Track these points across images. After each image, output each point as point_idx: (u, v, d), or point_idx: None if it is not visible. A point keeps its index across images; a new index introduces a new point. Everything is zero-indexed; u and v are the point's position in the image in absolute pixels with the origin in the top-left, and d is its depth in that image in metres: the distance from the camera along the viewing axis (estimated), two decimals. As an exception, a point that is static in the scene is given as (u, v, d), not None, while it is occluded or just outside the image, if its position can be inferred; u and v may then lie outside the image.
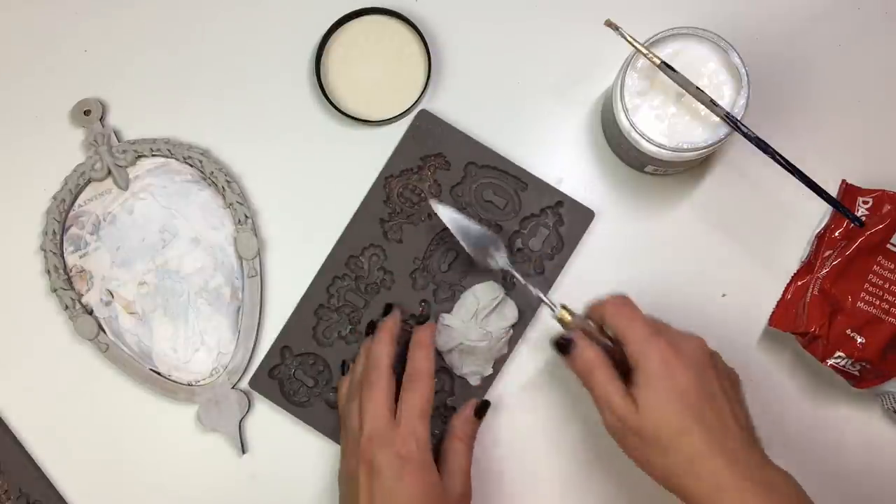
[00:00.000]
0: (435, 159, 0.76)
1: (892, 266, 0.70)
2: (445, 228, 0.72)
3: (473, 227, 0.71)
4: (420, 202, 0.75)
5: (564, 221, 0.75)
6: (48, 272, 0.76)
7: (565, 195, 0.75)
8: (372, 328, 0.73)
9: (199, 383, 0.75)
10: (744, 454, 0.60)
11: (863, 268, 0.70)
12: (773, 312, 0.73)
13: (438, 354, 0.74)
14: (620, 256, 0.75)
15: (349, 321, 0.75)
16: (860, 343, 0.69)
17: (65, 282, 0.76)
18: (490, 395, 0.74)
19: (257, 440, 0.75)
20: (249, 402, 0.75)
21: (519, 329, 0.74)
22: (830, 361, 0.69)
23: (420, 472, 0.65)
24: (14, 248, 0.77)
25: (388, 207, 0.76)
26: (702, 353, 0.63)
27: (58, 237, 0.76)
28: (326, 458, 0.75)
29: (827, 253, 0.71)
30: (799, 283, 0.72)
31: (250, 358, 0.75)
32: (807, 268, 0.73)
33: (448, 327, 0.73)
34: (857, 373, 0.69)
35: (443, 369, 0.74)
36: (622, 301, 0.65)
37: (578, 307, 0.68)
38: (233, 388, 0.75)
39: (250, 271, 0.76)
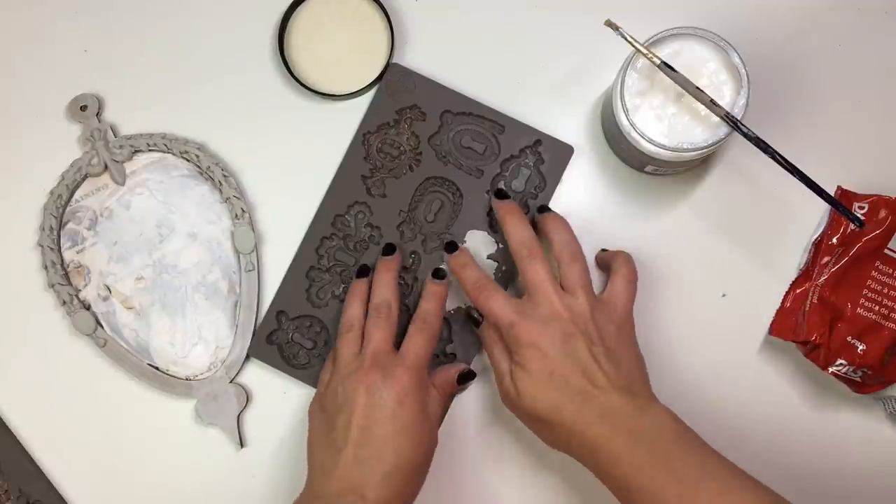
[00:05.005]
0: (410, 111, 0.76)
1: (890, 271, 0.70)
2: (428, 178, 0.75)
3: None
4: (400, 156, 0.76)
5: (544, 160, 0.75)
6: (45, 268, 0.76)
7: (543, 133, 0.75)
8: (363, 273, 0.74)
9: (197, 378, 0.75)
10: (615, 407, 0.64)
11: (861, 274, 0.70)
12: (773, 321, 0.73)
13: None
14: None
15: (341, 280, 0.75)
16: (861, 350, 0.69)
17: (62, 277, 0.76)
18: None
19: (256, 434, 0.76)
20: (248, 395, 0.75)
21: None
22: (832, 369, 0.69)
23: (417, 408, 0.67)
24: (11, 244, 0.77)
25: (369, 163, 0.76)
26: (564, 325, 0.66)
27: (55, 233, 0.76)
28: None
29: (825, 260, 0.71)
30: (797, 291, 0.72)
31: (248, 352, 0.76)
32: (805, 275, 0.72)
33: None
34: (858, 379, 0.69)
35: (444, 319, 0.75)
36: (483, 293, 0.69)
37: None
38: (231, 382, 0.75)
39: (247, 265, 0.76)
